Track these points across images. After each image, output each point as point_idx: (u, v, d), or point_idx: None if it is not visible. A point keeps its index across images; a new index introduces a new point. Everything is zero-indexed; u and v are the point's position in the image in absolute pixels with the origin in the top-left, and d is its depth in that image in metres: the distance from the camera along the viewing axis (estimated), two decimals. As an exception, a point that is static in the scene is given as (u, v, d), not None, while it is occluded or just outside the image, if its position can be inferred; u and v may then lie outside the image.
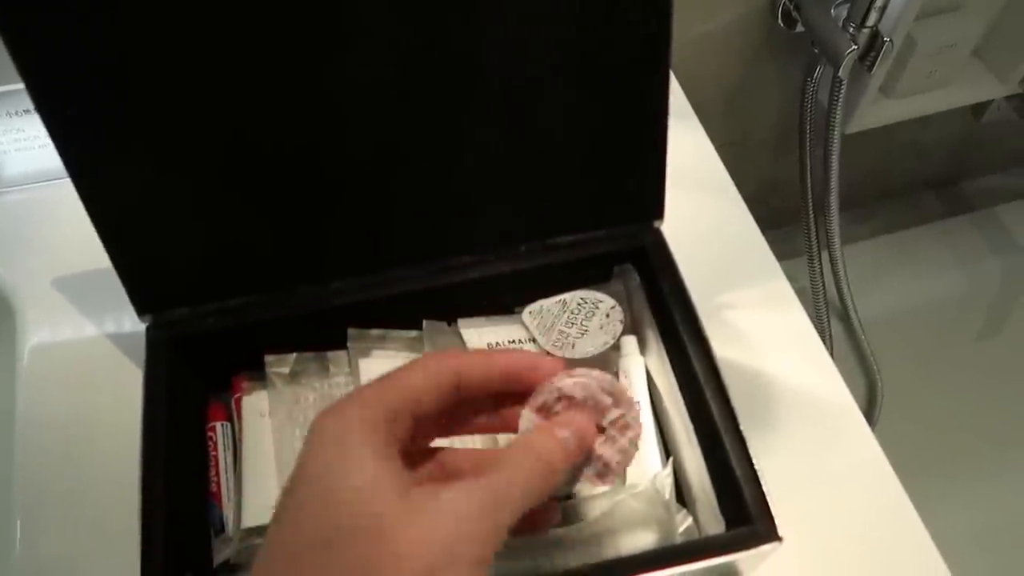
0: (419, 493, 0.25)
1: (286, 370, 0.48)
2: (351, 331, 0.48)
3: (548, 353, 0.48)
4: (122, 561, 0.38)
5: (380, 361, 0.48)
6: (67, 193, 0.40)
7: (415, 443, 0.30)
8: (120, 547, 0.38)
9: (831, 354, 0.57)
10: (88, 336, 0.55)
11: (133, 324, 0.45)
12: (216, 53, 0.38)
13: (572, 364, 0.47)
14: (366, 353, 0.48)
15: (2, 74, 0.53)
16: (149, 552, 0.38)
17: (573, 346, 0.47)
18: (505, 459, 0.28)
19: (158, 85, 0.39)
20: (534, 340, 0.48)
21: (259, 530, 0.44)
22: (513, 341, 0.48)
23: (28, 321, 0.56)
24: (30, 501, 0.49)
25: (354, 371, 0.47)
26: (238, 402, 0.48)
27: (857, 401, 0.54)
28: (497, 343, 0.48)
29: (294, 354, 0.48)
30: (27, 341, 0.55)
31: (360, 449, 0.25)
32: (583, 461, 0.32)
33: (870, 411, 1.09)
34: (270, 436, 0.46)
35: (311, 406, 0.47)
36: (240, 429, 0.47)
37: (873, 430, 0.53)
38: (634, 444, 0.33)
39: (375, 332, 0.48)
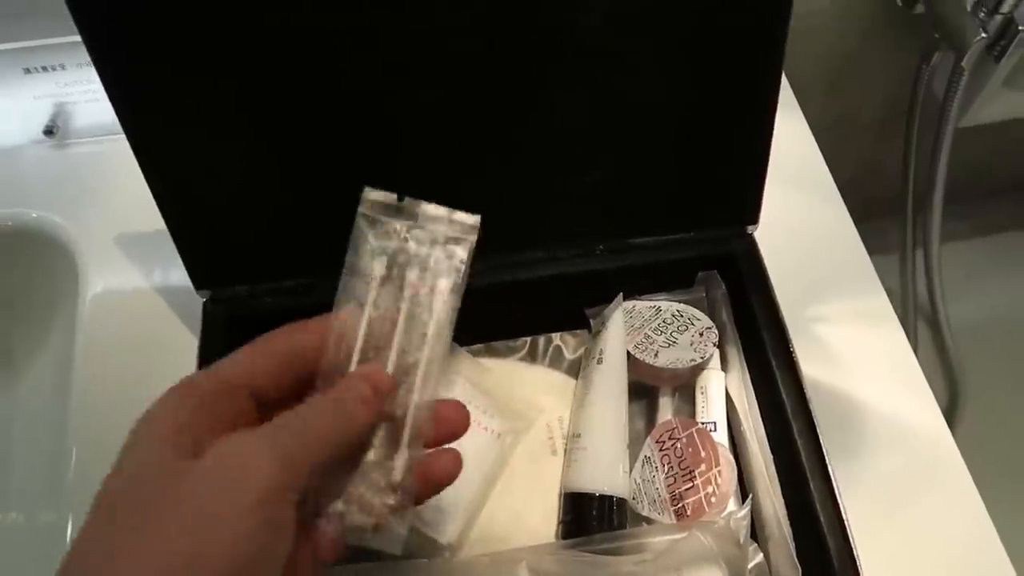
0: (210, 450, 0.25)
1: None
2: None
3: (629, 354, 0.44)
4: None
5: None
6: (134, 148, 0.39)
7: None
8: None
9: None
10: (146, 295, 0.54)
11: (188, 285, 0.44)
12: (288, 16, 0.35)
13: (651, 370, 0.44)
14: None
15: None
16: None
17: (656, 354, 0.43)
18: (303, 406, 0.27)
19: (226, 48, 0.36)
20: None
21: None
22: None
23: (90, 274, 0.56)
24: (85, 439, 0.49)
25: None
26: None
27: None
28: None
29: None
30: (88, 293, 0.55)
31: (152, 438, 0.26)
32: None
33: (949, 422, 1.02)
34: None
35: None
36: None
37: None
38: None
39: None
